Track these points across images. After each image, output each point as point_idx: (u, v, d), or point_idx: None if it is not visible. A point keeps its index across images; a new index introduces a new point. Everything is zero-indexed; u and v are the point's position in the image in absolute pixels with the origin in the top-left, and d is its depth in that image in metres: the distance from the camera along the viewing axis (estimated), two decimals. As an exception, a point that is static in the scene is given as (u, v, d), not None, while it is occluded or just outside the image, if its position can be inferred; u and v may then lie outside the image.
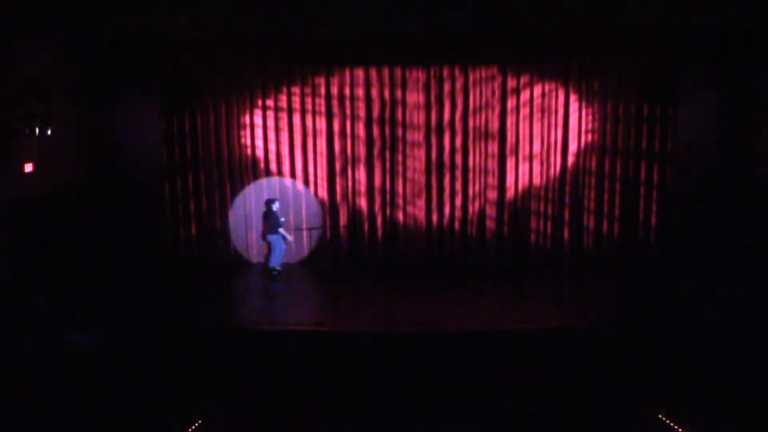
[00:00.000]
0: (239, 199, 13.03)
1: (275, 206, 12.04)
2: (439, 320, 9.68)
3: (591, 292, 11.49)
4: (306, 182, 13.20)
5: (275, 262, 12.23)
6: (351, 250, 13.19)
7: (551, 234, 13.15)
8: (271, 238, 12.03)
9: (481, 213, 13.18)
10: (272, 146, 13.15)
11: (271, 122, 13.07)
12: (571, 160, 12.98)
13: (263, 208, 12.31)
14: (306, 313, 10.68)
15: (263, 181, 13.00)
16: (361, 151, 13.05)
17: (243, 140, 13.11)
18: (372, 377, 8.51)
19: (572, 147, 12.93)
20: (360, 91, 12.95)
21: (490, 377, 8.44)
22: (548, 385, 8.27)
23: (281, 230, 12.05)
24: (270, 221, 11.95)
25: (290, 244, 12.48)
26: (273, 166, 13.21)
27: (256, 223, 12.92)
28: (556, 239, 13.13)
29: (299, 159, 13.20)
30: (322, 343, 9.33)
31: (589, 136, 12.90)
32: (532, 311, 10.36)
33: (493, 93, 12.89)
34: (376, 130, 12.96)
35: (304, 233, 12.78)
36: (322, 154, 13.15)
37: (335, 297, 11.26)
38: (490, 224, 13.18)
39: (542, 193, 13.08)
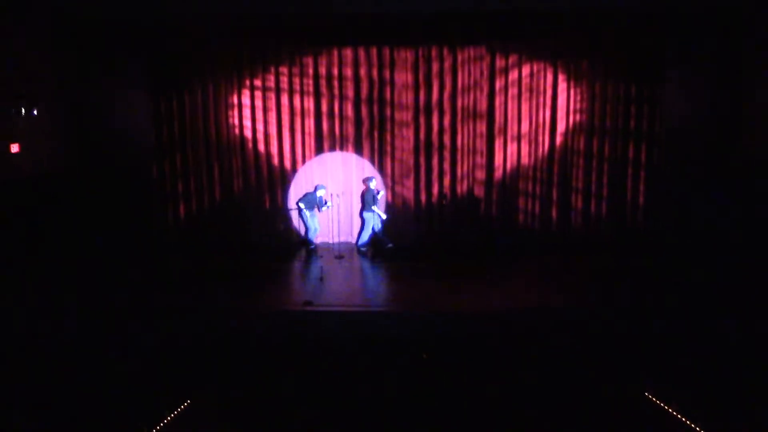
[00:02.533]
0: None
1: (372, 184, 12.11)
2: (425, 300, 9.69)
3: (579, 271, 11.47)
4: (294, 162, 13.24)
5: (365, 240, 12.38)
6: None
7: (539, 214, 13.22)
8: (366, 215, 12.18)
9: (470, 193, 13.21)
10: (260, 126, 13.11)
11: (259, 102, 13.03)
12: (559, 139, 13.00)
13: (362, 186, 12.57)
14: (293, 294, 10.64)
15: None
16: (350, 131, 13.07)
17: (231, 120, 13.07)
18: (357, 357, 8.55)
19: (560, 127, 12.96)
20: (348, 71, 12.94)
21: (473, 357, 8.41)
22: (534, 364, 8.18)
23: (375, 208, 12.13)
24: (366, 199, 12.09)
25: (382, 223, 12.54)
26: (261, 147, 13.19)
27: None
28: (544, 219, 13.20)
29: (287, 139, 13.17)
30: (310, 323, 9.32)
31: (577, 116, 12.94)
32: (518, 291, 10.32)
33: (481, 73, 12.89)
34: (364, 110, 12.97)
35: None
36: (310, 135, 13.16)
37: (320, 277, 11.15)
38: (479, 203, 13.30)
39: (530, 173, 13.12)
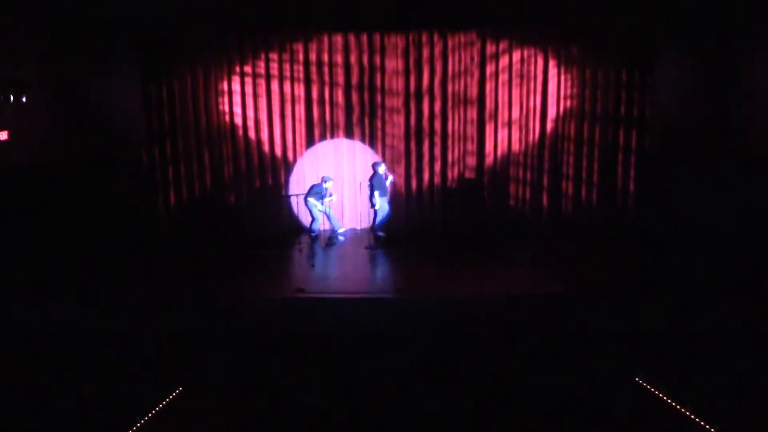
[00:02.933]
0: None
1: (381, 169, 11.97)
2: (419, 287, 9.63)
3: (569, 258, 11.43)
4: (284, 149, 13.17)
5: (380, 226, 12.22)
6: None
7: (530, 200, 13.15)
8: (374, 201, 11.99)
9: (461, 179, 13.14)
10: (250, 113, 13.02)
11: (248, 89, 12.95)
12: (549, 126, 12.92)
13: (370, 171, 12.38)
14: (283, 282, 10.58)
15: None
16: (340, 117, 13.00)
17: (221, 107, 12.98)
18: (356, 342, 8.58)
19: (551, 113, 12.86)
20: (338, 57, 12.84)
21: (467, 345, 8.43)
22: (527, 351, 8.27)
23: (377, 193, 11.97)
24: (374, 184, 11.91)
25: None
26: (251, 133, 13.11)
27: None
28: (534, 205, 13.13)
29: (277, 126, 13.09)
30: (303, 310, 9.30)
31: (568, 102, 12.83)
32: (510, 278, 10.27)
33: (472, 59, 12.79)
34: (354, 97, 12.90)
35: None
36: (300, 121, 13.08)
37: (312, 264, 11.15)
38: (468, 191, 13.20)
39: (521, 159, 13.05)
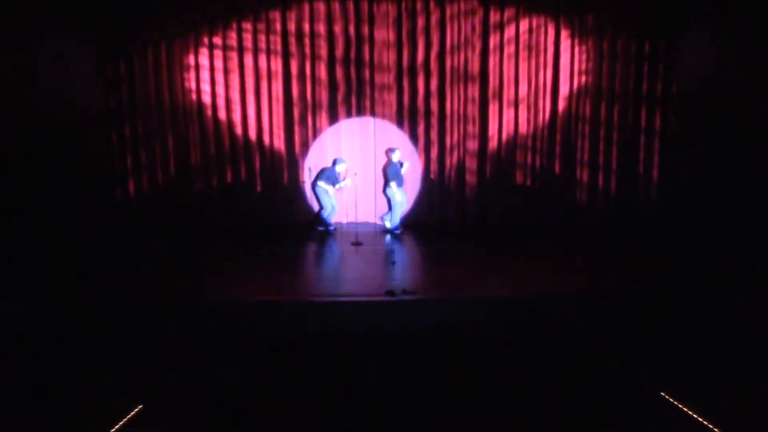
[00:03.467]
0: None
1: (395, 156, 11.16)
2: (417, 286, 8.34)
3: (584, 254, 10.33)
4: (260, 131, 11.90)
5: (396, 221, 11.37)
6: (312, 207, 12.05)
7: (540, 189, 12.06)
8: (389, 192, 11.15)
9: (460, 166, 12.01)
10: (221, 91, 11.75)
11: (219, 63, 11.66)
12: (562, 105, 11.80)
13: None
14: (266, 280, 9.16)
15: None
16: (323, 96, 11.80)
17: (187, 84, 11.67)
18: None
19: (563, 90, 11.75)
20: (321, 27, 11.64)
21: (469, 347, 7.42)
22: (536, 359, 7.14)
23: (394, 184, 11.12)
24: (389, 173, 11.05)
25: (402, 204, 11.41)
26: (221, 114, 11.82)
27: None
28: (545, 195, 12.04)
29: (252, 105, 11.82)
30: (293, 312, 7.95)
31: (583, 78, 11.72)
32: (516, 276, 9.05)
33: (473, 29, 11.65)
34: (339, 72, 11.71)
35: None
36: (278, 100, 11.83)
37: (297, 263, 10.01)
38: (470, 178, 12.00)
39: (529, 143, 11.91)
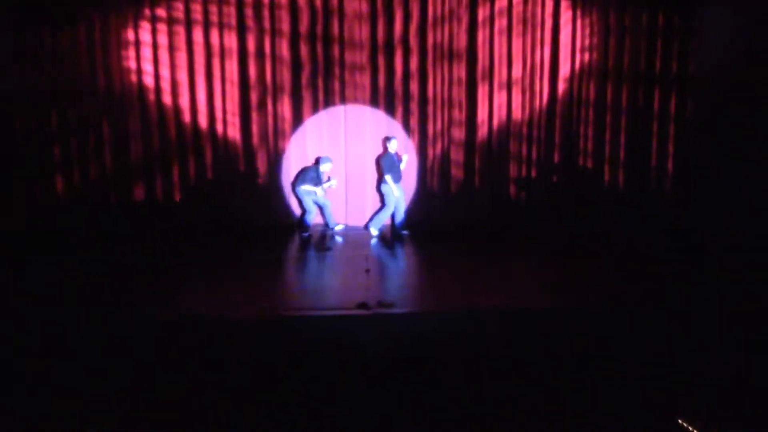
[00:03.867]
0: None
1: (392, 146, 10.24)
2: (395, 297, 7.64)
3: (589, 260, 9.32)
4: (211, 119, 10.68)
5: (378, 222, 10.46)
6: (272, 207, 10.94)
7: (536, 183, 11.15)
8: (384, 188, 10.28)
9: (445, 158, 11.01)
10: (165, 71, 10.48)
11: (163, 39, 10.40)
12: (562, 87, 10.90)
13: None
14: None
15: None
16: (285, 77, 10.67)
17: (125, 63, 10.39)
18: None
19: (563, 70, 10.87)
20: None
21: (453, 368, 6.43)
22: (531, 381, 6.15)
23: (389, 178, 10.14)
24: (384, 166, 10.17)
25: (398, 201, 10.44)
26: (167, 99, 10.54)
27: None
28: (543, 191, 11.14)
29: (202, 88, 10.56)
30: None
31: (586, 56, 10.82)
32: (509, 286, 8.21)
33: None
34: (304, 50, 10.58)
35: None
36: (232, 83, 10.64)
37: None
38: (456, 172, 11.04)
39: (524, 130, 10.99)
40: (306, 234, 10.39)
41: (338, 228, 10.57)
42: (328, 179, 10.45)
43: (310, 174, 10.37)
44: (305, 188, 10.24)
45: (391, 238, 10.29)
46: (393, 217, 10.44)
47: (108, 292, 7.70)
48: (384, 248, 9.92)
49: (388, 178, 10.10)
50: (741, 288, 7.87)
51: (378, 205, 10.71)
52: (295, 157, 10.71)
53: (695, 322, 7.07)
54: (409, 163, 10.69)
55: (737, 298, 7.56)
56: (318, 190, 10.27)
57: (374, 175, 10.72)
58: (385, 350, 6.58)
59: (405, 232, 10.40)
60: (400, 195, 10.27)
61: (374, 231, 10.30)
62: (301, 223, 10.50)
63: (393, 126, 10.70)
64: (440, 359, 6.57)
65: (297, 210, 10.75)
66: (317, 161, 10.43)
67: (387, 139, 10.32)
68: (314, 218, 10.52)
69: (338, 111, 10.69)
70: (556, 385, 5.97)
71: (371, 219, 10.48)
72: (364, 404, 5.85)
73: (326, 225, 10.63)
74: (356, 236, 10.41)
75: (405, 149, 10.59)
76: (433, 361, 6.55)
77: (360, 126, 10.72)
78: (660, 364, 6.32)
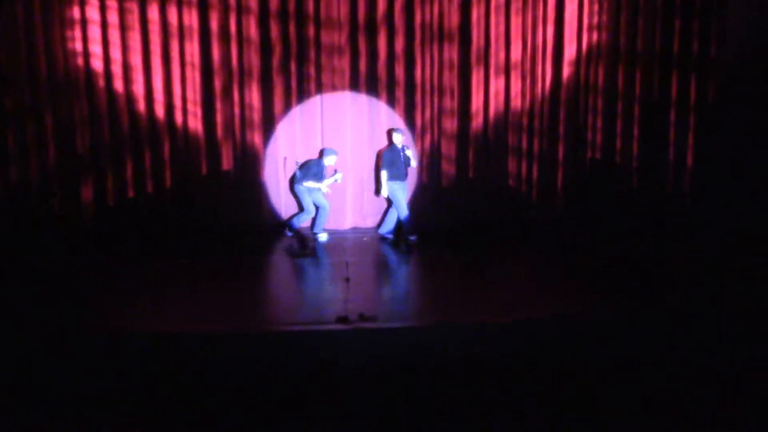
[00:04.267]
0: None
1: (397, 138, 9.72)
2: (378, 310, 7.18)
3: (597, 264, 8.88)
4: (170, 108, 10.04)
5: (388, 227, 9.87)
6: (239, 208, 10.27)
7: (538, 181, 10.71)
8: (392, 186, 9.71)
9: (434, 151, 10.58)
10: (116, 54, 9.84)
11: (113, 17, 9.76)
12: (566, 71, 10.47)
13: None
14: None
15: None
16: (254, 61, 10.16)
17: (71, 45, 9.75)
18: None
19: (568, 52, 10.45)
20: None
21: (444, 389, 6.21)
22: (527, 395, 6.01)
23: (383, 174, 9.60)
24: (386, 161, 9.66)
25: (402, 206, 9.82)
26: (118, 84, 9.88)
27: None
28: (545, 188, 10.71)
29: (159, 73, 9.95)
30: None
31: (595, 36, 10.38)
32: (504, 296, 7.72)
33: None
34: (274, 30, 10.07)
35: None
36: (193, 67, 10.04)
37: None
38: (447, 168, 10.59)
39: (525, 121, 10.57)
40: (290, 234, 9.92)
41: (322, 237, 10.00)
42: (334, 172, 9.97)
43: (313, 169, 9.93)
44: (308, 185, 9.76)
45: (399, 243, 9.90)
46: (398, 219, 10.00)
47: (37, 309, 7.18)
48: (367, 254, 9.54)
49: (383, 174, 9.62)
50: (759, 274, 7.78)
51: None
52: (267, 150, 10.20)
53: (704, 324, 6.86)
54: None
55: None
56: (322, 186, 9.81)
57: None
58: (367, 368, 6.42)
59: (412, 237, 9.86)
60: (393, 193, 9.69)
61: (390, 235, 9.93)
62: (289, 222, 9.99)
63: (378, 115, 10.22)
64: (426, 376, 6.36)
65: (279, 209, 10.28)
66: (321, 154, 9.94)
67: (392, 130, 9.89)
68: (303, 221, 10.07)
69: (314, 99, 10.23)
70: (549, 401, 5.78)
71: (382, 223, 10.01)
72: (344, 426, 5.69)
73: (311, 229, 10.10)
74: (336, 241, 9.97)
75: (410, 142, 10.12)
76: (418, 378, 6.31)
77: (339, 116, 10.23)
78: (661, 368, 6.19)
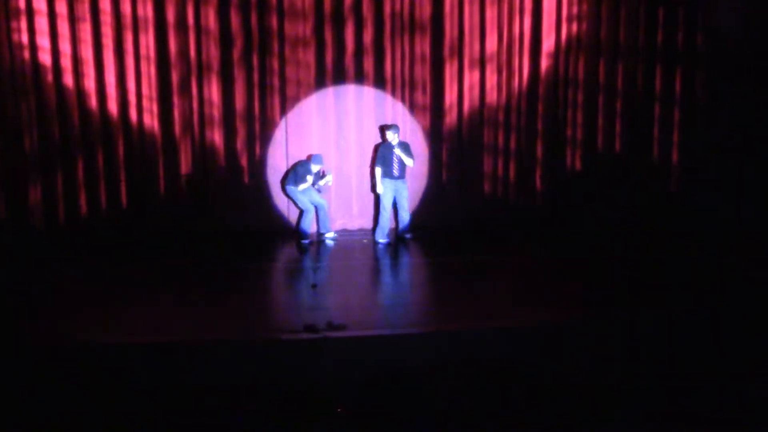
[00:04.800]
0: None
1: (391, 135, 9.49)
2: (348, 318, 7.07)
3: (576, 268, 8.64)
4: (124, 104, 9.63)
5: (382, 233, 9.64)
6: (198, 210, 9.89)
7: (516, 180, 10.46)
8: (385, 184, 9.53)
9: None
10: (66, 47, 9.39)
11: (62, 8, 9.34)
12: (545, 64, 10.21)
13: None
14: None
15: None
16: (213, 53, 9.79)
17: (16, 37, 9.28)
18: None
19: (547, 44, 10.19)
20: None
21: (419, 404, 5.49)
22: (509, 409, 5.67)
23: (379, 171, 9.45)
24: (380, 158, 9.51)
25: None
26: (67, 79, 9.43)
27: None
28: (523, 188, 10.48)
29: (111, 67, 9.51)
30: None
31: (574, 27, 10.11)
32: (487, 301, 7.58)
33: None
34: (235, 20, 9.72)
35: None
36: (149, 60, 9.67)
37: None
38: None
39: (501, 117, 10.28)
40: (306, 242, 9.68)
41: (329, 237, 9.92)
42: (323, 176, 9.78)
43: (300, 171, 9.74)
44: (302, 186, 9.59)
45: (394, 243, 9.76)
46: (397, 218, 9.87)
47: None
48: (346, 258, 9.39)
49: (377, 171, 9.44)
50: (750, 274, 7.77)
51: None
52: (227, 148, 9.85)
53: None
54: (365, 157, 10.06)
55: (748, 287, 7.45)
56: (311, 187, 9.67)
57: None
58: (337, 379, 6.23)
59: (408, 235, 9.75)
60: (388, 193, 9.51)
61: (382, 240, 9.72)
62: (300, 231, 9.77)
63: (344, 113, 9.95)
64: (399, 389, 5.54)
65: (241, 210, 9.92)
66: (309, 160, 9.75)
67: (387, 127, 9.68)
68: (309, 221, 9.90)
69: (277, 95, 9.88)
70: (532, 414, 5.52)
71: (375, 228, 9.85)
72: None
73: (317, 231, 10.01)
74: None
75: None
76: (390, 391, 5.50)
77: (306, 113, 9.93)
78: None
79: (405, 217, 9.69)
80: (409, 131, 10.05)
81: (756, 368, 6.29)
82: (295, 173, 9.67)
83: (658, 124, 9.97)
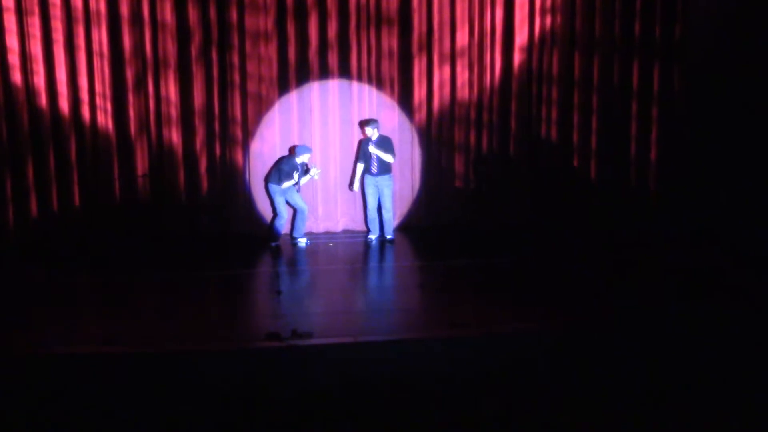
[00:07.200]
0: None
1: (371, 131, 9.38)
2: (313, 325, 6.89)
3: (556, 271, 8.47)
4: (75, 102, 9.35)
5: (389, 231, 9.57)
6: (156, 214, 9.66)
7: (487, 180, 10.30)
8: (367, 181, 9.53)
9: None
10: (13, 42, 9.05)
11: (8, 1, 8.98)
12: (518, 58, 9.99)
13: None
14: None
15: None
16: (170, 48, 9.54)
17: None
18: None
19: (519, 38, 9.98)
20: None
21: (387, 404, 5.83)
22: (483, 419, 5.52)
23: (360, 167, 9.50)
24: (361, 156, 9.51)
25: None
26: (16, 76, 9.07)
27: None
28: (495, 188, 10.27)
29: (62, 63, 9.24)
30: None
31: (547, 20, 9.90)
32: (463, 307, 7.41)
33: None
34: (192, 14, 9.46)
35: None
36: (102, 56, 9.39)
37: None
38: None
39: (472, 114, 10.07)
40: (275, 244, 9.53)
41: (302, 243, 9.71)
42: (307, 170, 9.54)
43: (285, 167, 9.52)
44: (284, 185, 9.39)
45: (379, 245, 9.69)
46: (381, 219, 9.70)
47: None
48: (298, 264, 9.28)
49: (358, 167, 9.37)
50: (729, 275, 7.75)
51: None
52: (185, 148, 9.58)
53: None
54: (329, 157, 9.87)
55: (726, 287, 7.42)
56: (293, 187, 9.46)
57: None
58: (302, 390, 5.90)
59: (390, 236, 9.66)
60: (369, 189, 9.41)
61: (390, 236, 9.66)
62: (271, 233, 9.61)
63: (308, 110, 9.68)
64: (367, 399, 5.85)
65: (199, 214, 9.76)
66: (294, 151, 9.55)
67: (367, 122, 9.52)
68: (282, 225, 9.74)
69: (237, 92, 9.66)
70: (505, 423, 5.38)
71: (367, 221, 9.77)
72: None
73: (290, 234, 9.83)
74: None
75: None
76: (358, 401, 5.79)
77: (266, 109, 9.69)
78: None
79: (387, 217, 9.51)
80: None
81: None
82: (279, 170, 9.45)
83: (635, 121, 9.66)
